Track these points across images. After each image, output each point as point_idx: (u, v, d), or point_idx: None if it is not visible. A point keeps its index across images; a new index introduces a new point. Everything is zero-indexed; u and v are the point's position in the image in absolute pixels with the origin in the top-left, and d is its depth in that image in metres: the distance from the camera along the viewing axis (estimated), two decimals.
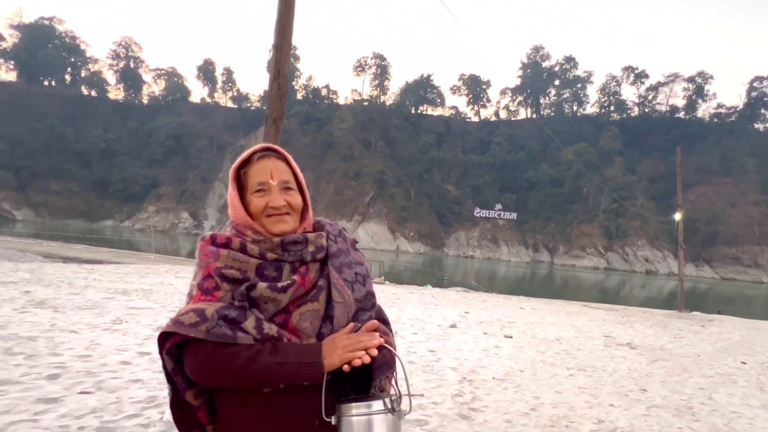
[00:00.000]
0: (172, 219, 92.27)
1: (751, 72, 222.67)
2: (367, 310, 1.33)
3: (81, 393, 4.10)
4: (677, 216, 23.71)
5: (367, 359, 1.17)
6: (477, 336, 9.26)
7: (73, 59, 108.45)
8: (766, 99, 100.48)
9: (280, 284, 1.22)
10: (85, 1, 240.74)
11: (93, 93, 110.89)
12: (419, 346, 7.72)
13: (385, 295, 15.34)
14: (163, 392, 4.29)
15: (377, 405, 1.14)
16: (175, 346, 1.21)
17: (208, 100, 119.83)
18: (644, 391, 6.33)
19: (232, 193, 1.33)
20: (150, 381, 4.58)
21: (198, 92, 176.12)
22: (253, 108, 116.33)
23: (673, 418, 5.26)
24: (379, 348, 1.24)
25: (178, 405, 1.30)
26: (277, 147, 1.36)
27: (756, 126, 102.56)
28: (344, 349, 1.18)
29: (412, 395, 5.04)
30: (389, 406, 1.14)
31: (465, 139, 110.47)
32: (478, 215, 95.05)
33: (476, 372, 6.39)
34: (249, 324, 1.17)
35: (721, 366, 8.75)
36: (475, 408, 4.85)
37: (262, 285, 1.21)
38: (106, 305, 8.44)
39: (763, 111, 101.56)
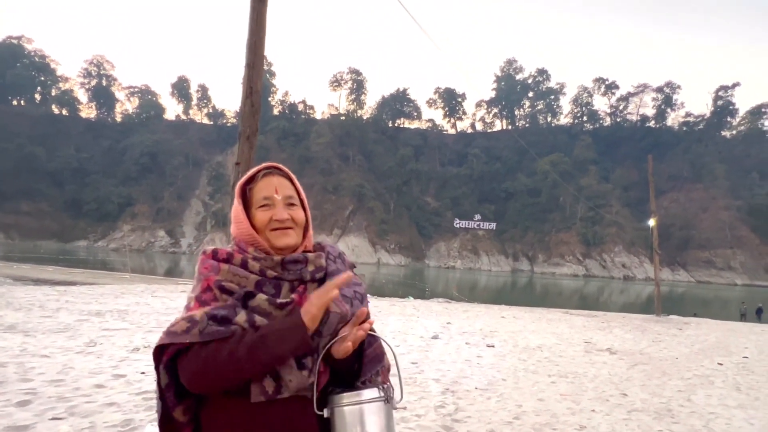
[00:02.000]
0: (148, 237, 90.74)
1: (716, 81, 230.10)
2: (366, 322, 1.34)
3: (53, 419, 3.96)
4: (651, 222, 24.21)
5: (361, 335, 1.19)
6: (459, 346, 9.25)
7: (43, 78, 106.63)
8: (731, 107, 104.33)
9: (279, 300, 1.23)
10: (54, 20, 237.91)
11: (64, 112, 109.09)
12: (402, 358, 7.67)
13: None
14: (139, 415, 4.18)
15: (369, 393, 1.15)
16: (171, 359, 1.21)
17: (183, 117, 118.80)
18: (625, 395, 6.38)
19: (237, 208, 1.35)
20: (126, 404, 4.45)
21: (173, 109, 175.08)
22: (229, 124, 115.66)
23: (653, 421, 5.31)
24: (369, 340, 1.27)
25: (165, 423, 1.28)
26: (281, 166, 1.39)
27: (723, 133, 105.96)
28: (317, 297, 1.19)
29: (396, 408, 5.00)
30: (381, 395, 1.14)
31: (442, 151, 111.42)
32: (457, 226, 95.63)
33: (459, 382, 6.37)
34: (240, 318, 1.19)
35: (698, 368, 8.89)
36: (458, 419, 4.83)
37: (261, 296, 1.22)
38: (80, 328, 8.21)
39: (729, 119, 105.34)
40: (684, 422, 5.36)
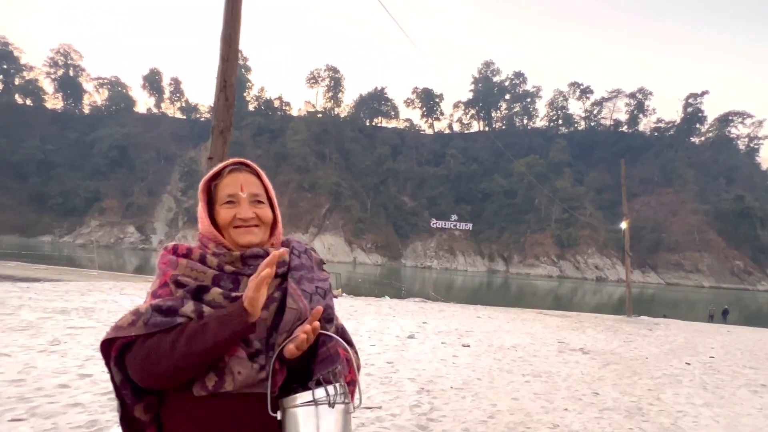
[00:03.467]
0: (116, 233, 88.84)
1: (686, 89, 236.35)
2: (326, 323, 1.30)
3: (12, 421, 3.82)
4: (623, 225, 24.71)
5: (309, 332, 1.16)
6: (435, 346, 9.28)
7: (5, 66, 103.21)
8: (700, 114, 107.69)
9: (234, 294, 1.21)
10: (19, 7, 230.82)
11: (28, 102, 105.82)
12: (377, 357, 7.67)
13: (343, 307, 15.20)
14: (105, 416, 4.06)
15: (320, 393, 1.12)
16: (120, 354, 1.20)
17: (155, 110, 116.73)
18: (596, 394, 6.49)
19: (201, 206, 1.33)
20: (91, 404, 4.32)
21: (144, 102, 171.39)
22: (202, 119, 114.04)
23: (624, 419, 5.41)
24: (322, 340, 1.23)
25: (127, 422, 1.26)
26: (248, 162, 1.36)
27: (692, 139, 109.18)
28: (252, 279, 1.16)
29: (371, 407, 4.99)
30: (333, 395, 1.12)
31: (420, 151, 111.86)
32: (434, 226, 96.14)
33: (434, 382, 6.39)
34: (186, 309, 1.17)
35: (667, 367, 9.11)
36: (433, 418, 4.84)
37: (215, 290, 1.20)
38: (43, 326, 7.97)
39: (698, 125, 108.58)
40: (653, 420, 5.48)
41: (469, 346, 9.65)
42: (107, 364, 1.22)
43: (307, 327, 1.16)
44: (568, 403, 5.87)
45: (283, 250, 1.29)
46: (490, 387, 6.40)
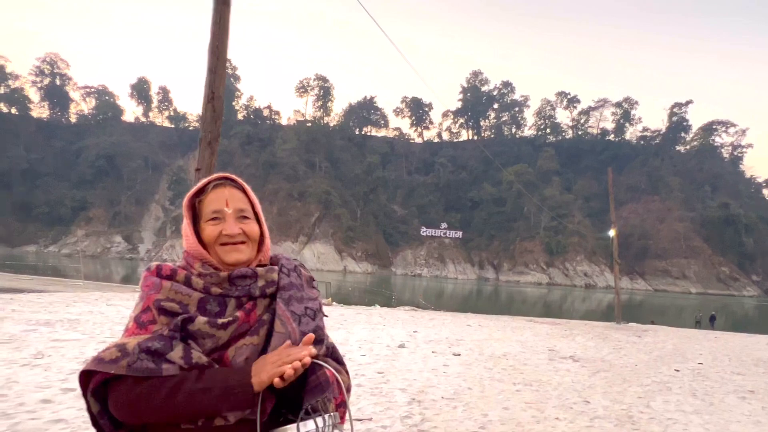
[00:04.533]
0: (103, 243, 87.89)
1: (671, 98, 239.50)
2: (316, 345, 1.27)
3: None
4: (611, 232, 24.92)
5: (298, 366, 1.12)
6: (425, 355, 9.24)
7: None
8: (685, 123, 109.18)
9: (220, 320, 1.18)
10: (3, 16, 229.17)
11: (14, 110, 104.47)
12: (367, 368, 7.62)
13: (333, 316, 15.13)
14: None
15: (308, 426, 1.10)
16: (100, 385, 1.15)
17: (143, 119, 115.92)
18: (587, 402, 6.48)
19: (185, 222, 1.31)
20: (74, 420, 4.22)
21: (132, 111, 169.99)
22: (191, 128, 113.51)
23: (615, 428, 5.40)
24: (312, 369, 1.20)
25: None
26: (234, 176, 1.35)
27: (678, 148, 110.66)
28: (274, 364, 1.13)
29: (361, 419, 4.93)
30: (321, 426, 1.11)
31: (409, 159, 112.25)
32: (424, 234, 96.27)
33: (425, 392, 6.35)
34: (175, 354, 1.13)
35: (656, 374, 9.13)
36: (424, 429, 4.79)
37: (201, 319, 1.17)
38: (26, 338, 7.82)
39: (683, 134, 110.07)
40: (644, 429, 5.47)
41: (459, 355, 9.61)
42: (84, 394, 1.17)
43: (297, 364, 1.12)
44: (559, 412, 5.85)
45: (311, 335, 1.22)
46: (482, 396, 6.37)
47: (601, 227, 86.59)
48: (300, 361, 1.12)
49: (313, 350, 1.16)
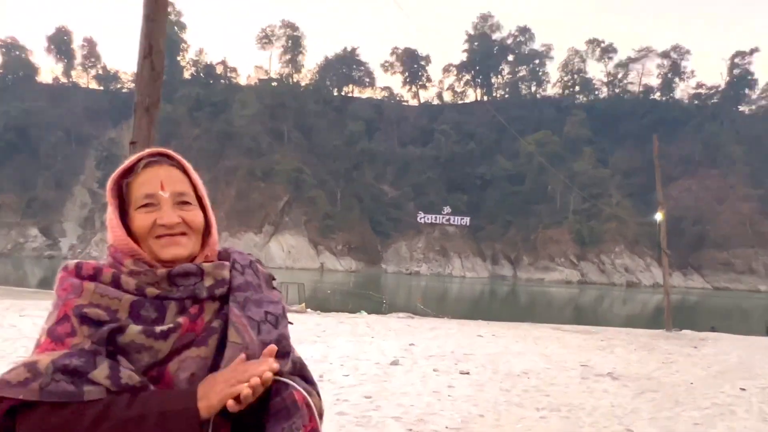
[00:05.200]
0: (15, 237, 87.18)
1: (731, 46, 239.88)
2: (279, 359, 1.24)
3: None
4: (658, 216, 24.97)
5: (257, 384, 1.12)
6: (425, 374, 9.24)
7: None
8: (749, 78, 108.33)
9: (159, 328, 1.17)
10: None
11: None
12: (352, 391, 7.58)
13: (308, 326, 15.10)
14: None
15: None
16: (7, 413, 1.10)
17: (64, 80, 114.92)
18: (630, 431, 6.48)
19: (110, 210, 1.30)
20: None
21: (49, 70, 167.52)
22: (125, 90, 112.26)
23: None
24: (276, 389, 1.20)
25: None
26: (171, 152, 1.34)
27: (741, 108, 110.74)
28: (226, 382, 1.12)
29: None
30: None
31: (402, 127, 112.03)
32: (422, 221, 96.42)
33: (425, 421, 6.32)
34: (100, 373, 1.10)
35: (717, 395, 9.13)
36: None
37: (134, 328, 1.16)
38: None
39: (747, 91, 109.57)
40: None
41: (468, 373, 9.61)
42: None
43: (256, 381, 1.11)
44: None
45: (273, 346, 1.22)
46: (496, 425, 6.34)
47: (645, 210, 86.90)
48: (260, 378, 1.11)
49: (275, 365, 1.16)
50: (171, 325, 1.19)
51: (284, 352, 1.28)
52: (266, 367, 1.14)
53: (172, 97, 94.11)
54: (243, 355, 1.19)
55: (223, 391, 1.11)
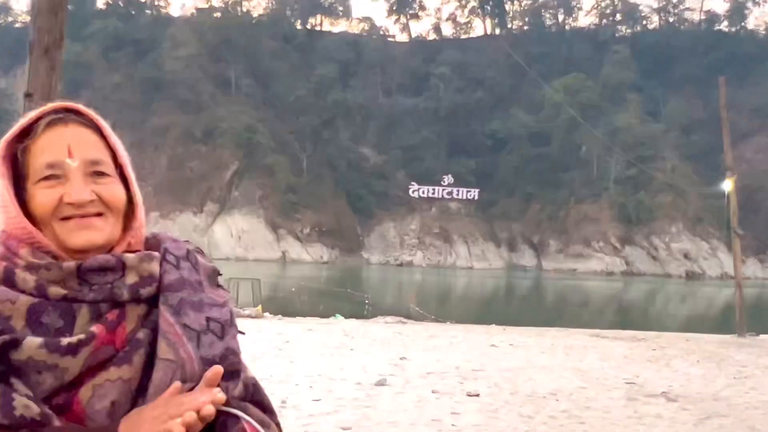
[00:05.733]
0: None
1: None
2: (226, 380, 1.20)
3: None
4: (727, 185, 24.94)
5: (192, 422, 1.08)
6: (421, 397, 9.23)
7: None
8: None
9: (65, 341, 1.12)
10: None
11: None
12: (324, 421, 7.57)
13: (266, 336, 15.05)
14: None
15: None
16: None
17: None
18: None
19: (1, 185, 1.25)
20: None
21: None
22: (17, 26, 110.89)
23: None
24: (222, 423, 1.16)
25: None
26: (81, 107, 1.29)
27: None
28: (156, 420, 1.09)
29: None
30: None
31: (388, 71, 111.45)
32: (415, 195, 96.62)
33: None
34: None
35: None
36: None
37: (33, 342, 1.10)
38: None
39: None
40: None
41: (478, 395, 9.61)
42: None
43: (191, 418, 1.08)
44: None
45: (218, 368, 1.18)
46: None
47: (709, 177, 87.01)
48: (198, 413, 1.08)
49: (220, 395, 1.13)
50: (82, 337, 1.13)
51: (232, 371, 1.24)
52: (208, 398, 1.11)
53: (81, 34, 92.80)
54: (178, 383, 1.15)
55: (152, 430, 1.09)
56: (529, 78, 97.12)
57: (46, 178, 1.21)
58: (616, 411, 9.02)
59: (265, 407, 1.30)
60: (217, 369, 1.15)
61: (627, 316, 39.11)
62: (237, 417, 1.16)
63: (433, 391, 9.72)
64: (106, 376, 1.14)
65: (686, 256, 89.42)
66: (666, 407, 9.45)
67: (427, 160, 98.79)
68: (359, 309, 31.65)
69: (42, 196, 1.21)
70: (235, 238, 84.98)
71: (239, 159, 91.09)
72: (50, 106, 1.27)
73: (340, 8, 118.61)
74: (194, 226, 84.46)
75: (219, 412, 1.14)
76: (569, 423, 8.18)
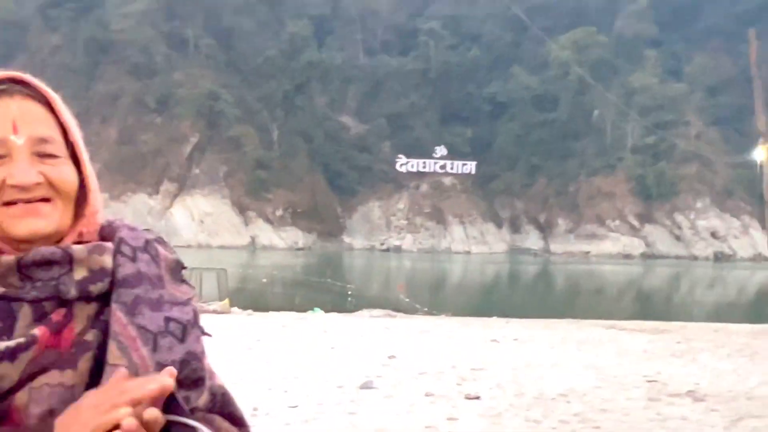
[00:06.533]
0: None
1: None
2: (188, 389, 1.19)
3: None
4: (760, 153, 25.05)
5: (130, 427, 1.01)
6: (413, 401, 9.25)
7: None
8: None
9: (3, 344, 1.12)
10: None
11: None
12: (302, 429, 7.62)
13: (234, 334, 15.03)
14: None
15: None
16: None
17: None
18: None
19: None
20: None
21: None
22: None
23: None
24: (172, 409, 1.08)
25: None
26: (27, 77, 1.27)
27: None
28: (96, 409, 1.05)
29: None
30: None
31: (369, 25, 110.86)
32: (403, 169, 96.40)
33: None
34: None
35: None
36: None
37: None
38: None
39: None
40: None
41: (479, 398, 9.64)
42: None
43: (128, 419, 1.00)
44: None
45: (171, 369, 1.12)
46: None
47: (739, 144, 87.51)
48: (140, 418, 1.02)
49: (168, 380, 1.06)
50: (21, 341, 1.12)
51: (195, 378, 1.22)
52: (156, 385, 1.05)
53: None
54: (123, 370, 1.12)
55: (92, 422, 1.03)
56: (532, 33, 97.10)
57: None
58: (635, 413, 9.08)
59: (234, 419, 1.29)
60: (170, 371, 1.10)
61: (647, 305, 39.35)
62: (195, 429, 1.09)
63: (426, 394, 9.75)
64: (44, 380, 1.13)
65: (714, 235, 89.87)
66: (692, 408, 9.51)
67: (417, 129, 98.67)
68: (341, 301, 31.80)
69: None
70: (196, 222, 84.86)
71: (199, 131, 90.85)
72: None
73: None
74: (149, 208, 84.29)
75: (174, 424, 1.09)
76: (582, 428, 8.22)
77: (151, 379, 1.08)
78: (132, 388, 1.06)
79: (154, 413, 1.03)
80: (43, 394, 1.12)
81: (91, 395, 1.09)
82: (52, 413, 1.11)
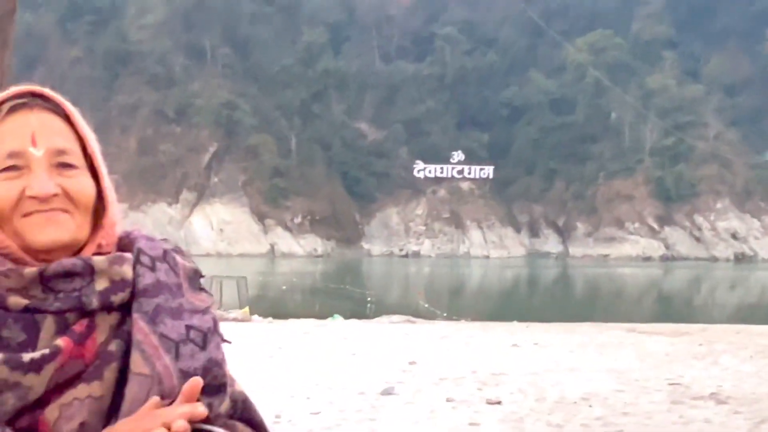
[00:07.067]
0: None
1: None
2: (210, 396, 1.18)
3: None
4: None
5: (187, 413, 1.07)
6: (435, 407, 9.24)
7: None
8: None
9: (28, 356, 1.11)
10: None
11: None
12: None
13: (254, 342, 14.99)
14: None
15: None
16: None
17: None
18: None
19: None
20: None
21: None
22: None
23: None
24: None
25: None
26: (47, 91, 1.27)
27: None
28: None
29: None
30: None
31: (385, 32, 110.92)
32: (420, 175, 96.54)
33: None
34: None
35: None
36: None
37: None
38: None
39: None
40: None
41: (500, 403, 9.62)
42: None
43: (181, 414, 1.07)
44: None
45: (197, 380, 1.14)
46: None
47: (759, 144, 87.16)
48: (169, 429, 1.06)
49: (201, 409, 1.09)
50: (46, 352, 1.11)
51: (217, 385, 1.21)
52: (187, 412, 1.08)
53: (33, 3, 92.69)
54: (156, 398, 1.12)
55: None
56: (548, 37, 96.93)
57: (7, 168, 1.20)
58: (658, 416, 9.04)
59: (256, 425, 1.29)
60: (196, 381, 1.13)
61: (668, 308, 39.19)
62: None
63: (447, 400, 9.75)
64: (74, 394, 1.13)
65: (734, 236, 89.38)
66: (715, 411, 9.45)
67: (434, 134, 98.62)
68: (360, 308, 31.79)
69: (1, 189, 1.19)
70: (216, 231, 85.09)
71: (218, 140, 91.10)
72: (13, 89, 1.26)
73: None
74: (169, 218, 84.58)
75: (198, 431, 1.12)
76: (605, 431, 8.18)
77: (183, 406, 1.10)
78: (163, 415, 1.09)
79: (182, 425, 1.05)
80: (73, 409, 1.13)
81: (124, 423, 1.11)
82: (83, 426, 1.13)
